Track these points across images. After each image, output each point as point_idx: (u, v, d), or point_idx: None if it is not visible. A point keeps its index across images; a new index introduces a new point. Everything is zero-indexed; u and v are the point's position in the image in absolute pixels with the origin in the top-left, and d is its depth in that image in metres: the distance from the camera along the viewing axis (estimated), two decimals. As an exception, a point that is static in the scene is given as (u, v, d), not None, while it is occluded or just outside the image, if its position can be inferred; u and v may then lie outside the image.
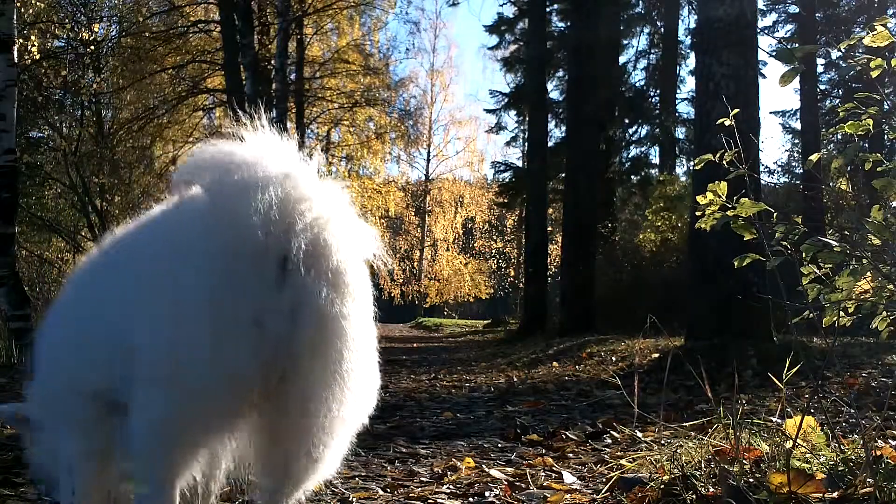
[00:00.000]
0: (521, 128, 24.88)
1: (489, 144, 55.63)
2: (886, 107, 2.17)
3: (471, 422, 4.35)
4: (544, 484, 2.53)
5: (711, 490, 1.88)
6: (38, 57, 14.24)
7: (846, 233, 2.38)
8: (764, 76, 19.03)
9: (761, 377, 4.59)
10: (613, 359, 7.84)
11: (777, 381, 2.14)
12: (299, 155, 1.67)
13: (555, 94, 21.35)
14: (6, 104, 7.09)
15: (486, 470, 2.75)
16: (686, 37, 21.51)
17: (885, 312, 2.20)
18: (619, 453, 2.89)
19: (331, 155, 25.28)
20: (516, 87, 22.46)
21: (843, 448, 1.93)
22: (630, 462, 2.40)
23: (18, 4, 9.87)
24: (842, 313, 2.13)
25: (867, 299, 2.16)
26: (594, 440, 3.37)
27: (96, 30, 18.61)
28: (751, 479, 1.83)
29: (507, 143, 39.32)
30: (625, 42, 21.35)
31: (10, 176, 7.08)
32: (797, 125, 21.43)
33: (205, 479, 1.75)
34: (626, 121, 20.78)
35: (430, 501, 2.37)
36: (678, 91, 21.68)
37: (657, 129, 20.86)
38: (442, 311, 39.30)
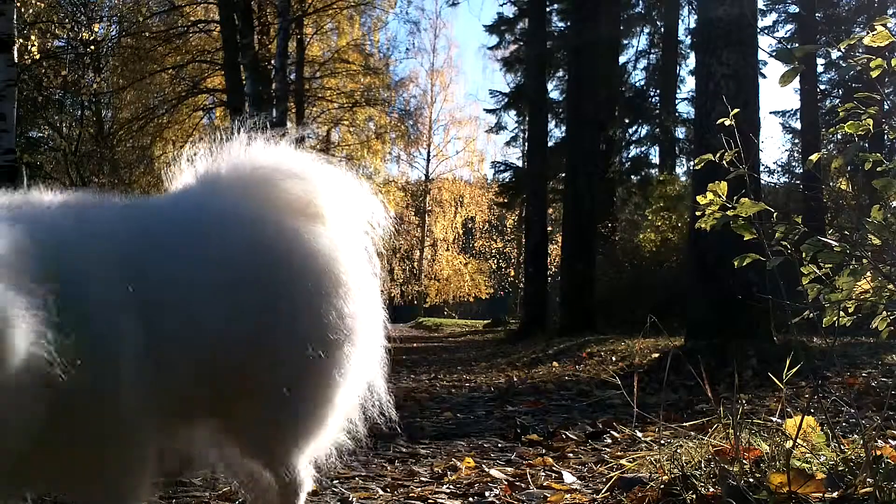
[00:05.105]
0: (521, 128, 24.87)
1: (489, 144, 55.56)
2: (886, 107, 2.17)
3: (471, 422, 4.35)
4: (544, 484, 2.53)
5: (711, 490, 1.88)
6: (38, 57, 14.24)
7: (846, 233, 2.38)
8: (764, 76, 19.00)
9: (761, 377, 4.59)
10: (613, 359, 7.84)
11: (777, 381, 2.13)
12: None
13: (555, 94, 21.36)
14: (6, 104, 7.09)
15: (486, 470, 2.75)
16: (686, 37, 21.52)
17: (885, 312, 2.20)
18: (619, 453, 2.89)
19: (331, 155, 25.25)
20: (516, 87, 22.45)
21: (843, 448, 1.93)
22: (630, 462, 2.40)
23: (18, 4, 9.87)
24: (842, 313, 2.13)
25: (867, 299, 2.16)
26: (594, 440, 3.37)
27: (96, 30, 18.62)
28: (751, 479, 1.83)
29: (507, 143, 39.30)
30: (625, 42, 21.36)
31: (10, 176, 7.08)
32: (797, 125, 21.41)
33: None
34: (626, 121, 20.78)
35: (430, 501, 2.37)
36: (678, 91, 21.69)
37: (657, 129, 20.87)
38: (442, 311, 39.28)
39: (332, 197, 1.84)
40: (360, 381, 1.82)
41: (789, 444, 1.88)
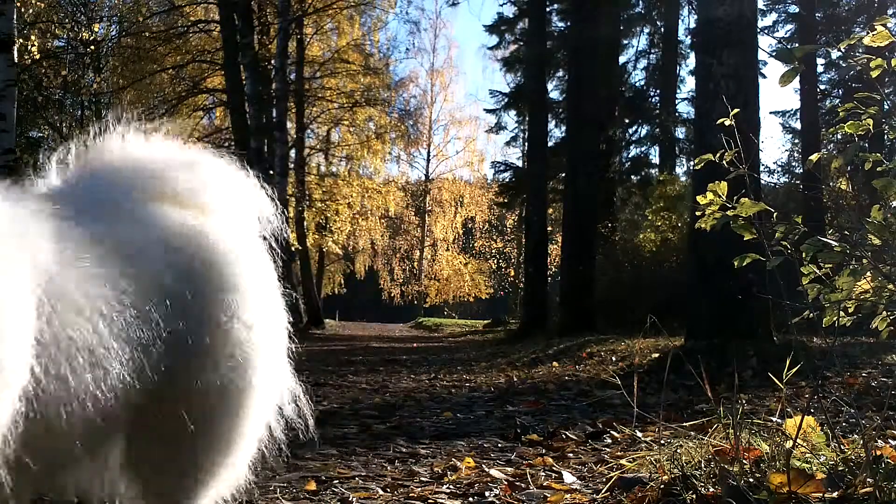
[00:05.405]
0: (521, 128, 24.89)
1: (489, 144, 55.75)
2: (886, 107, 2.17)
3: (471, 422, 4.35)
4: (544, 484, 2.53)
5: (711, 490, 1.88)
6: (38, 57, 14.26)
7: (846, 233, 2.38)
8: (764, 76, 19.01)
9: (761, 377, 4.59)
10: (613, 359, 7.84)
11: (777, 381, 2.14)
12: None
13: (555, 94, 21.38)
14: (6, 104, 7.11)
15: (486, 470, 2.75)
16: (686, 37, 21.54)
17: (885, 312, 2.20)
18: (619, 453, 2.89)
19: (331, 155, 25.29)
20: (516, 87, 22.47)
21: (843, 448, 1.93)
22: (630, 462, 2.40)
23: (18, 4, 9.87)
24: (842, 313, 2.13)
25: (867, 299, 2.16)
26: (594, 440, 3.37)
27: (96, 30, 18.66)
28: (751, 479, 1.83)
29: (507, 143, 39.25)
30: (625, 42, 21.38)
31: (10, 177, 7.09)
32: (797, 125, 21.40)
33: None
34: (626, 121, 20.80)
35: (430, 501, 2.37)
36: (678, 91, 21.71)
37: (657, 129, 20.89)
38: (442, 311, 39.31)
39: (220, 189, 1.63)
40: (271, 398, 1.61)
41: (789, 444, 1.88)
